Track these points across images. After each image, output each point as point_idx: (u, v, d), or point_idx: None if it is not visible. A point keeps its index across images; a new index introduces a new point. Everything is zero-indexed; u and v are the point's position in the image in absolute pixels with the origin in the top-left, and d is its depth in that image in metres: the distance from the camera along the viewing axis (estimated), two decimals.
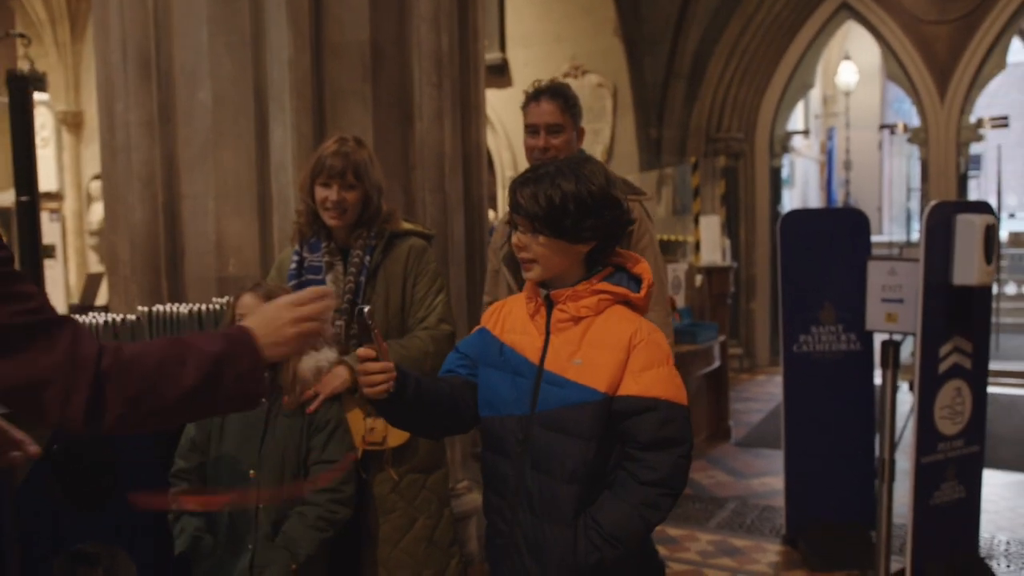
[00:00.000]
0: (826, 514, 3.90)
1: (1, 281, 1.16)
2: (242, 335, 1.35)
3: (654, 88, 8.60)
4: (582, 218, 1.59)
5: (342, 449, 2.16)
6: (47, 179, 12.92)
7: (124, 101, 3.52)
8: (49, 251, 11.78)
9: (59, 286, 10.94)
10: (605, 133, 8.61)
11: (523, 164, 2.75)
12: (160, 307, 2.65)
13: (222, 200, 3.41)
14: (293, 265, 2.42)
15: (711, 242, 7.43)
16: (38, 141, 13.31)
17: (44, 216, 11.91)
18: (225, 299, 2.83)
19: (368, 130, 3.48)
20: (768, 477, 5.09)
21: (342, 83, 3.48)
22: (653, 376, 1.59)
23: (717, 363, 5.96)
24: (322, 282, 2.36)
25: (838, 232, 4.00)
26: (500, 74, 9.00)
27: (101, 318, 2.36)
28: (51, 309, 1.22)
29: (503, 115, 8.93)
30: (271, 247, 3.42)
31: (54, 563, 2.00)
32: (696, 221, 7.80)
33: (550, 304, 1.66)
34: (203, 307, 2.65)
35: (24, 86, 4.51)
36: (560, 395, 1.61)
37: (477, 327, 1.83)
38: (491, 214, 7.35)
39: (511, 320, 1.75)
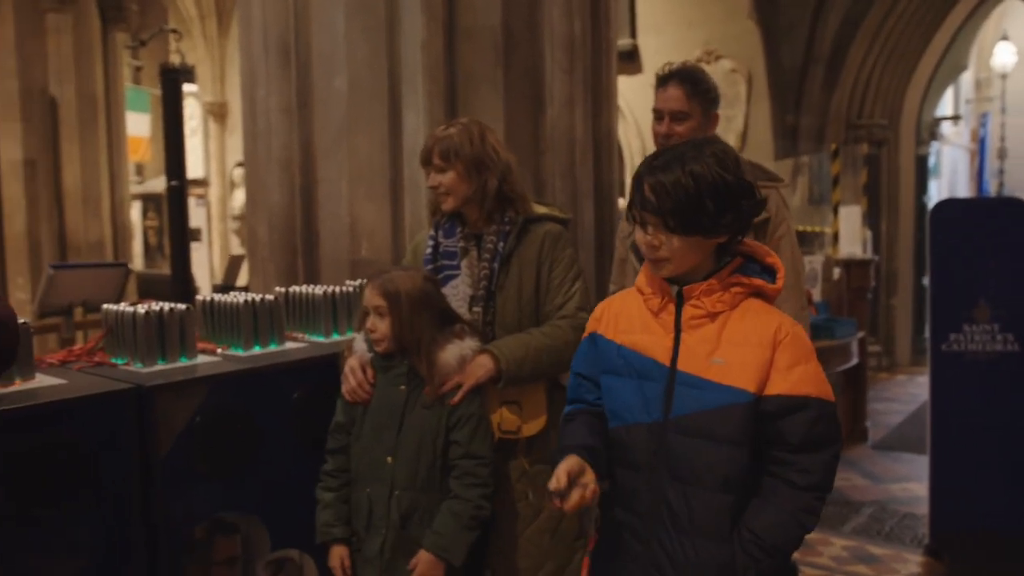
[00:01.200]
0: (976, 525, 3.64)
1: None
2: None
3: (791, 73, 8.25)
4: (721, 212, 1.48)
5: (486, 444, 2.13)
6: (194, 166, 13.64)
7: (265, 88, 3.63)
8: (196, 234, 12.48)
9: (204, 267, 11.54)
10: (738, 120, 8.33)
11: (652, 151, 2.63)
12: (296, 288, 2.72)
13: (356, 184, 3.47)
14: (428, 250, 2.42)
15: (851, 234, 7.07)
16: (187, 130, 14.10)
17: (191, 201, 12.61)
18: (358, 282, 2.88)
19: (499, 115, 3.47)
20: (909, 483, 4.80)
21: (474, 68, 3.48)
22: (802, 373, 1.49)
23: (855, 360, 5.67)
24: (457, 267, 2.34)
25: (995, 224, 3.72)
26: (630, 60, 8.84)
27: (241, 297, 2.44)
28: None
29: (633, 102, 8.78)
30: (402, 231, 3.47)
31: (195, 530, 2.08)
32: (835, 211, 7.44)
33: (679, 299, 1.55)
34: (337, 289, 2.70)
35: (175, 78, 4.75)
36: (700, 398, 1.51)
37: (585, 335, 1.73)
38: (620, 201, 7.24)
39: (625, 319, 1.63)
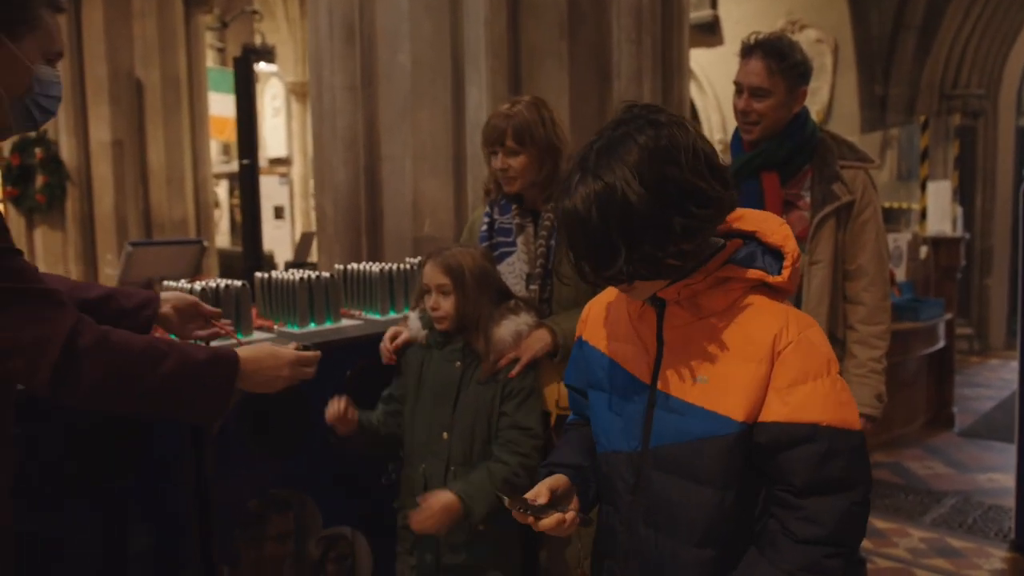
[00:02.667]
0: None
1: None
2: (229, 357, 1.47)
3: (880, 42, 7.89)
4: (659, 242, 1.10)
5: (534, 416, 2.10)
6: (277, 146, 13.97)
7: (330, 66, 3.64)
8: (279, 212, 12.77)
9: (286, 244, 11.81)
10: (823, 92, 8.02)
11: (733, 128, 2.50)
12: (354, 265, 2.72)
13: (419, 161, 3.46)
14: (484, 227, 2.38)
15: (940, 210, 6.73)
16: (270, 111, 14.35)
17: (274, 180, 12.89)
18: (416, 259, 2.87)
19: (564, 90, 3.41)
20: (997, 473, 4.57)
21: (538, 42, 3.41)
22: (808, 393, 1.15)
23: (941, 343, 5.41)
24: (512, 244, 2.31)
25: None
26: (710, 32, 8.59)
27: (296, 275, 2.45)
28: (35, 290, 1.29)
29: (712, 75, 8.55)
30: (464, 208, 3.44)
31: (248, 506, 2.11)
32: (923, 187, 7.10)
33: (661, 303, 1.24)
34: (395, 267, 2.69)
35: (248, 59, 4.83)
36: (680, 425, 1.21)
37: (575, 338, 1.46)
38: None
39: (611, 322, 1.35)
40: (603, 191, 1.09)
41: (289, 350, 1.64)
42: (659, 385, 1.24)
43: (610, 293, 1.38)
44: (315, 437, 2.22)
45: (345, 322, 2.53)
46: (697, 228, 1.11)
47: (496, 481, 2.01)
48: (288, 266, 4.93)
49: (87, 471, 1.86)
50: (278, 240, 11.79)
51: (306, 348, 1.76)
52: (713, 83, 8.66)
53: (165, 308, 1.80)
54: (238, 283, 2.32)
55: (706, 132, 9.28)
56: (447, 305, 2.06)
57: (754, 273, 1.21)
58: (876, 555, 3.48)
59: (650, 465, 1.25)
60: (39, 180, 7.01)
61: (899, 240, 5.52)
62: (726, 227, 1.23)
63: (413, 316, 2.22)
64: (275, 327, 2.44)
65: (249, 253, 4.64)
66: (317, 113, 3.82)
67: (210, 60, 9.80)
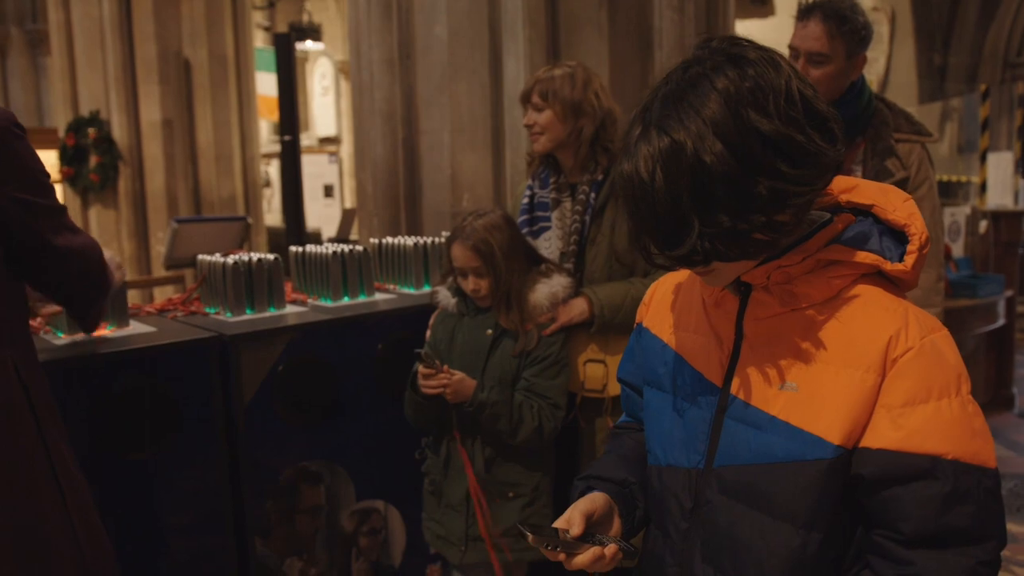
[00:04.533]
0: None
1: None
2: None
3: (940, 10, 7.61)
4: (743, 208, 0.87)
5: (555, 388, 2.06)
6: (326, 124, 14.06)
7: (368, 40, 3.62)
8: (328, 191, 12.87)
9: (334, 221, 11.89)
10: (880, 63, 7.77)
11: None
12: (388, 239, 2.70)
13: (457, 134, 3.42)
14: (525, 200, 2.35)
15: (1001, 182, 6.48)
16: (319, 89, 14.42)
17: (323, 158, 12.99)
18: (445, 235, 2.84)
19: (603, 60, 3.33)
20: None
21: (577, 10, 3.34)
22: (930, 416, 0.91)
23: (1001, 321, 5.21)
24: (549, 219, 2.26)
25: None
26: (761, 2, 8.37)
27: (329, 249, 2.44)
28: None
29: (764, 43, 8.35)
30: (503, 181, 3.40)
31: (279, 478, 2.11)
32: (983, 158, 6.84)
33: (746, 288, 1.01)
34: (429, 240, 2.66)
35: (287, 38, 4.84)
36: (757, 442, 0.97)
37: (635, 323, 1.22)
38: None
39: (679, 307, 1.12)
40: (670, 150, 0.86)
41: None
42: (733, 389, 1.00)
43: (681, 272, 1.15)
44: (346, 409, 2.22)
45: (379, 296, 2.51)
46: (790, 192, 0.87)
47: (532, 408, 2.03)
48: (330, 242, 4.95)
49: (117, 439, 1.88)
50: (328, 218, 11.87)
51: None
52: None
53: None
54: (270, 257, 2.31)
55: None
56: (485, 285, 2.04)
57: (867, 257, 0.96)
58: None
59: (714, 488, 1.01)
60: (92, 160, 7.14)
61: (957, 214, 5.33)
62: (834, 199, 1.00)
63: (443, 291, 2.19)
64: (309, 301, 2.44)
65: (292, 229, 4.67)
66: (356, 88, 3.80)
67: (258, 40, 9.86)
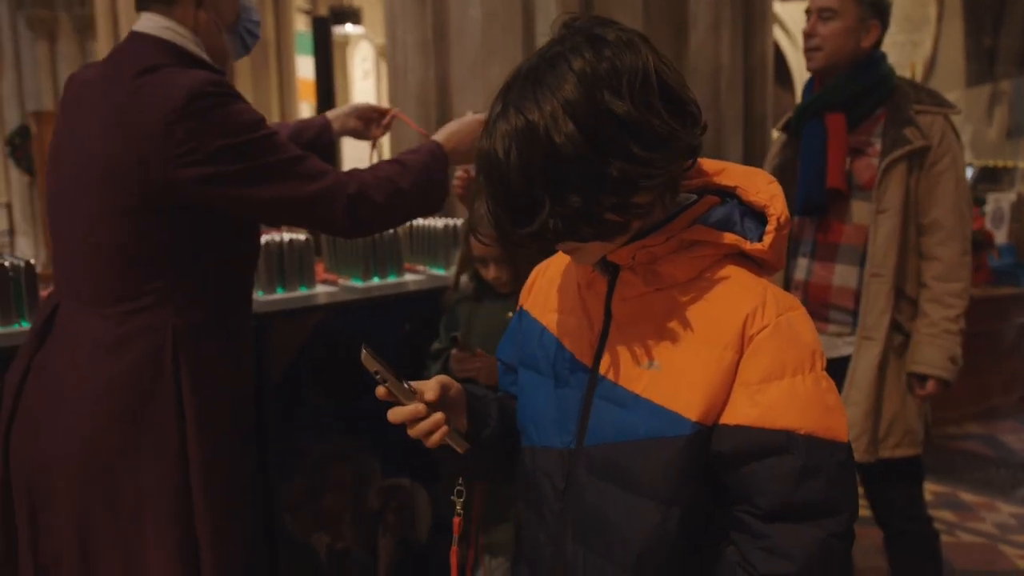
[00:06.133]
0: None
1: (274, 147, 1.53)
2: (436, 150, 1.76)
3: None
4: (590, 189, 0.89)
5: None
6: None
7: (403, 23, 3.64)
8: None
9: None
10: (926, 45, 7.58)
11: None
12: (420, 220, 2.72)
13: None
14: None
15: None
16: (359, 73, 14.49)
17: (363, 142, 13.10)
18: None
19: None
20: None
21: None
22: (785, 391, 0.93)
23: None
24: None
25: None
26: None
27: None
28: (301, 156, 1.56)
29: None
30: None
31: (308, 456, 2.16)
32: None
33: (615, 269, 1.02)
34: (459, 222, 2.68)
35: (326, 19, 4.90)
36: (622, 420, 0.98)
37: (518, 307, 1.23)
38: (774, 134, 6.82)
39: (555, 291, 1.13)
40: (524, 129, 0.87)
41: (472, 116, 1.86)
42: (601, 369, 1.01)
43: (561, 256, 1.15)
44: (374, 388, 2.24)
45: (408, 276, 2.54)
46: (640, 174, 0.88)
47: None
48: None
49: None
50: None
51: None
52: None
53: (350, 122, 2.09)
54: (301, 237, 2.35)
55: (797, 88, 8.93)
56: (507, 274, 2.03)
57: (729, 237, 0.97)
58: (961, 529, 3.34)
59: (583, 468, 1.02)
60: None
61: (1001, 200, 5.21)
62: (702, 181, 1.01)
63: (464, 278, 2.19)
64: (339, 280, 2.48)
65: None
66: (392, 70, 3.83)
67: (299, 23, 9.94)
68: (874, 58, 2.23)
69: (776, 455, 0.92)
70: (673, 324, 0.97)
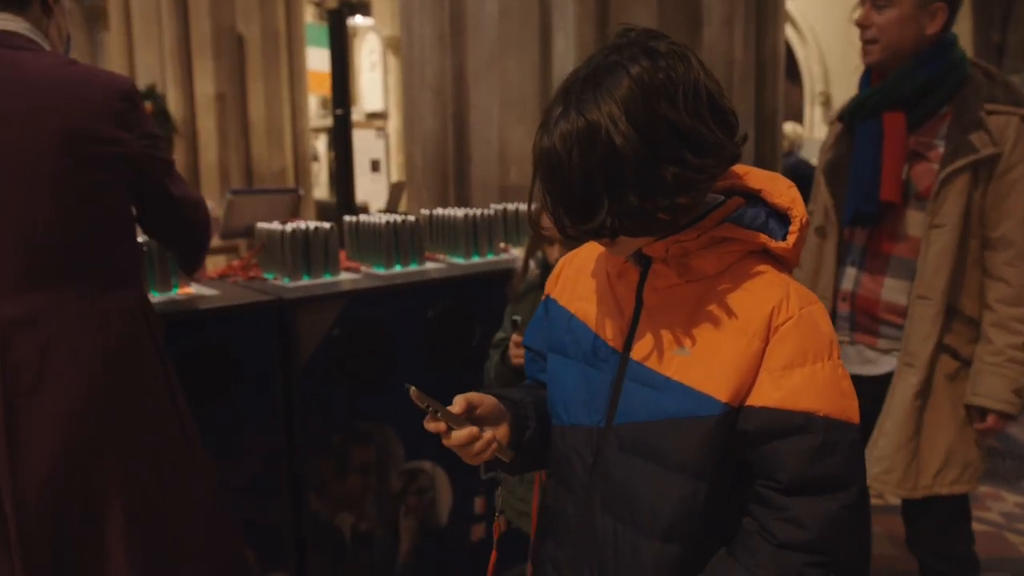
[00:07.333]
0: None
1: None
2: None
3: None
4: (648, 190, 0.95)
5: None
6: (374, 100, 14.16)
7: (419, 16, 3.68)
8: (375, 165, 13.00)
9: (381, 197, 12.02)
10: None
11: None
12: (439, 210, 2.78)
13: (506, 109, 3.48)
14: None
15: None
16: (367, 64, 14.47)
17: (370, 133, 13.11)
18: (501, 206, 2.90)
19: None
20: None
21: None
22: (806, 377, 1.01)
23: None
24: None
25: None
26: None
27: (383, 218, 2.52)
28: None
29: (815, 23, 8.23)
30: None
31: (332, 437, 2.21)
32: None
33: (646, 261, 1.09)
34: (479, 212, 2.73)
35: (340, 14, 4.94)
36: (652, 402, 1.05)
37: (543, 296, 1.29)
38: (796, 128, 6.86)
39: (585, 280, 1.20)
40: (586, 130, 0.93)
41: None
42: (632, 354, 1.08)
43: (588, 248, 1.23)
44: (397, 372, 2.30)
45: (429, 265, 2.59)
46: (692, 180, 0.96)
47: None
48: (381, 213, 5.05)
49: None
50: (374, 193, 12.00)
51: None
52: (816, 32, 8.33)
53: None
54: (326, 225, 2.40)
55: (806, 84, 8.98)
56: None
57: (755, 235, 1.05)
58: None
59: (613, 445, 1.09)
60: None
61: None
62: (727, 183, 1.08)
63: (531, 264, 2.19)
64: (362, 268, 2.53)
65: (342, 200, 4.77)
66: (407, 62, 3.87)
67: (309, 16, 9.98)
68: (942, 45, 1.91)
69: (797, 434, 0.99)
70: (703, 313, 1.04)
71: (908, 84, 1.92)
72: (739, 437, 1.02)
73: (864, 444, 1.03)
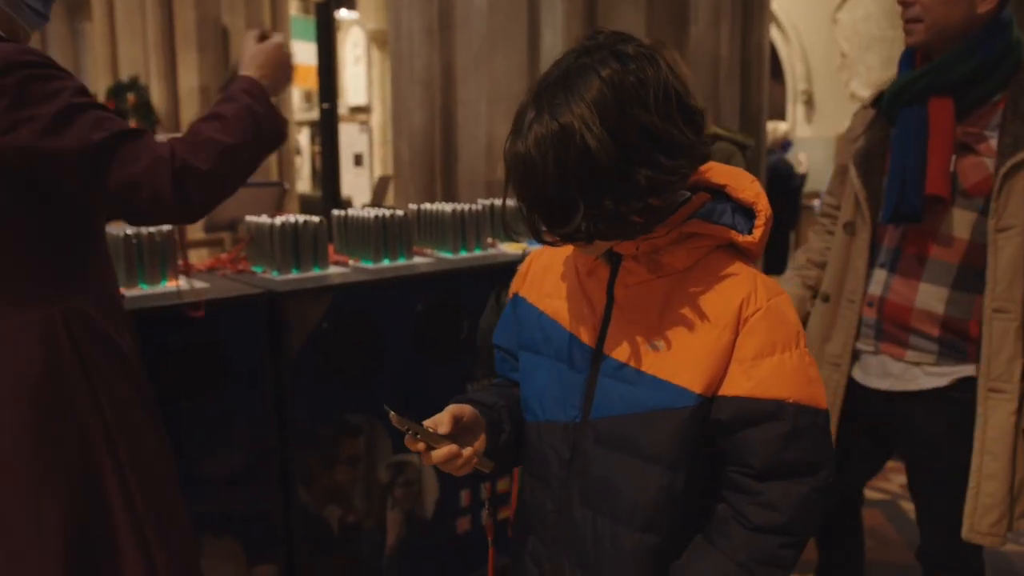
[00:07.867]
0: None
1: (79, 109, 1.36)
2: (252, 87, 1.58)
3: None
4: (619, 201, 0.95)
5: None
6: (357, 94, 14.14)
7: (408, 10, 3.69)
8: (358, 159, 12.99)
9: (365, 191, 12.01)
10: None
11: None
12: (427, 205, 2.79)
13: (493, 105, 3.50)
14: None
15: None
16: (351, 58, 14.44)
17: (354, 127, 13.09)
18: (489, 201, 2.92)
19: (640, 34, 3.36)
20: None
21: None
22: (775, 366, 1.03)
23: None
24: None
25: None
26: None
27: (371, 213, 2.53)
28: (127, 126, 1.42)
29: (798, 20, 8.27)
30: None
31: (322, 429, 2.22)
32: None
33: (616, 258, 1.10)
34: (467, 207, 2.74)
35: (329, 4, 4.94)
36: (628, 395, 1.08)
37: (510, 294, 1.30)
38: (780, 126, 6.91)
39: (553, 277, 1.20)
40: (559, 132, 0.93)
41: (270, 42, 1.67)
42: (605, 350, 1.10)
43: (543, 250, 1.23)
44: (385, 365, 2.31)
45: (417, 259, 2.60)
46: (665, 182, 0.96)
47: None
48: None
49: (173, 388, 1.99)
50: (357, 187, 12.00)
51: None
52: (799, 29, 8.39)
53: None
54: (315, 219, 2.41)
55: (789, 83, 9.04)
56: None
57: (722, 230, 1.07)
58: None
59: (590, 439, 1.11)
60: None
61: None
62: (693, 179, 1.08)
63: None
64: (350, 262, 2.53)
65: (328, 194, 4.78)
66: (395, 57, 3.88)
67: (294, 9, 9.94)
68: (998, 24, 1.72)
69: (768, 421, 1.03)
70: (674, 308, 1.07)
71: (958, 67, 1.73)
72: (712, 426, 1.05)
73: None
